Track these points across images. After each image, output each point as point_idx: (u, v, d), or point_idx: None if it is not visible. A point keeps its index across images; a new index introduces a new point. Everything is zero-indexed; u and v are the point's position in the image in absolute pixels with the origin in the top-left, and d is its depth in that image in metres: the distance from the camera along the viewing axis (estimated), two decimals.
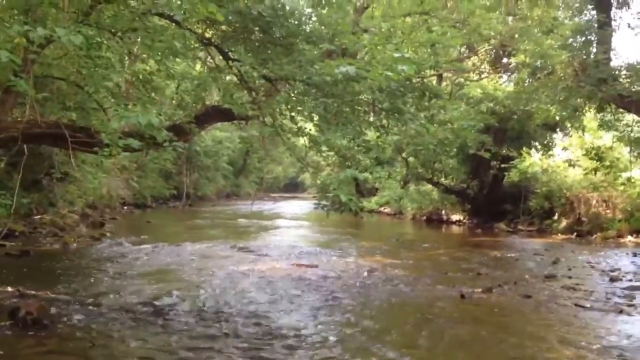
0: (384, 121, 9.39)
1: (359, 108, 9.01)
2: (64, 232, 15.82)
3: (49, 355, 5.93)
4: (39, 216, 16.64)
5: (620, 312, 8.50)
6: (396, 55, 7.56)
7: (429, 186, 27.36)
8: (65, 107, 9.40)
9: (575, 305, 8.90)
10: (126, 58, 9.40)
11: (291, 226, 23.78)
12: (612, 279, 11.14)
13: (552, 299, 9.31)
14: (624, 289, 10.26)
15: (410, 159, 20.67)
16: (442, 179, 26.45)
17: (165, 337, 6.69)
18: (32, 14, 7.10)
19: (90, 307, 7.82)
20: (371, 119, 9.79)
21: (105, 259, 12.12)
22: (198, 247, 14.51)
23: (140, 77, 8.86)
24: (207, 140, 37.41)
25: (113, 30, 7.34)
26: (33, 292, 8.31)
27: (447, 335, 7.19)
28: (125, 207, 27.40)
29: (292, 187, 77.46)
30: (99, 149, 6.49)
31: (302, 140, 9.75)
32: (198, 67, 11.13)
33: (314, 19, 10.27)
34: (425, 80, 10.81)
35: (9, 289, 8.40)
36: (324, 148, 9.54)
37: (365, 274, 11.37)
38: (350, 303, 8.85)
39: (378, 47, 8.58)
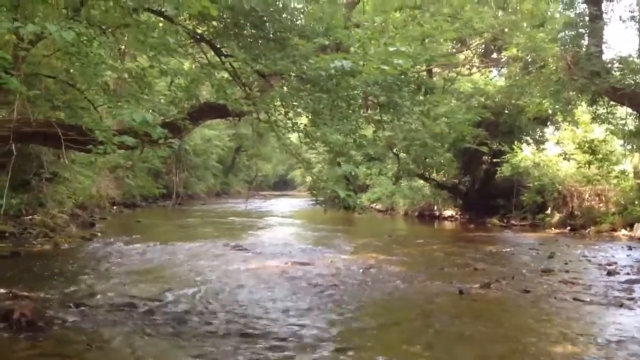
0: (380, 116, 9.31)
1: (354, 103, 8.93)
2: (54, 232, 15.60)
3: (44, 358, 5.81)
4: (29, 217, 16.41)
5: (621, 305, 8.46)
6: (391, 49, 7.48)
7: (421, 182, 27.33)
8: (53, 106, 9.24)
9: (575, 299, 8.87)
10: (118, 55, 9.25)
11: (283, 224, 23.66)
12: (610, 273, 11.13)
13: (550, 294, 9.27)
14: (622, 282, 10.25)
15: (402, 154, 20.63)
16: (434, 175, 26.43)
17: (159, 337, 6.57)
18: (21, 11, 6.94)
19: (84, 308, 7.68)
20: (365, 113, 9.71)
21: (96, 259, 11.96)
22: (190, 246, 14.36)
23: (133, 73, 8.73)
24: (196, 139, 37.17)
25: (104, 27, 7.19)
26: (26, 293, 8.15)
27: (447, 332, 7.12)
28: (115, 207, 27.12)
29: (282, 185, 77.37)
30: (93, 147, 6.36)
31: (295, 136, 9.66)
32: (187, 64, 11.00)
33: (306, 13, 10.15)
34: (419, 74, 10.72)
35: (1, 290, 8.22)
36: (318, 144, 9.46)
37: (361, 271, 11.28)
38: (346, 301, 8.76)
39: (372, 41, 8.49)
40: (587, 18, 16.37)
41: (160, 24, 8.40)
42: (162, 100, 10.11)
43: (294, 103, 8.73)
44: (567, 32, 16.64)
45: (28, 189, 17.06)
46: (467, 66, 21.58)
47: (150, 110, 6.16)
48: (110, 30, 7.32)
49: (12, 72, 6.11)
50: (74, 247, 13.85)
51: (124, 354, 5.98)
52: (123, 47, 9.11)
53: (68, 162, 13.79)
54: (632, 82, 14.86)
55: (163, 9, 8.23)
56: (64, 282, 9.50)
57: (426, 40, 12.51)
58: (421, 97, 9.48)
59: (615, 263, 12.37)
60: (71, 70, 8.68)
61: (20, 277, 9.55)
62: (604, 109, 17.97)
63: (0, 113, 8.00)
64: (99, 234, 16.50)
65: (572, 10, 17.39)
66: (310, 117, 9.34)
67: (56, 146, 8.15)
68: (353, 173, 7.23)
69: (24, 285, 8.70)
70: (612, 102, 17.07)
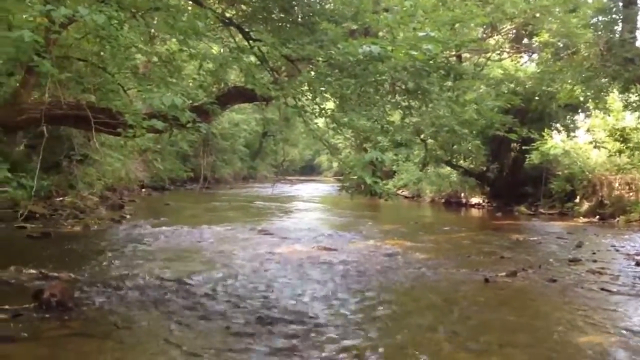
0: (408, 102, 9.25)
1: (382, 88, 8.88)
2: (84, 214, 15.83)
3: (73, 337, 5.89)
4: (59, 198, 16.68)
5: None
6: (421, 34, 7.41)
7: (448, 169, 27.16)
8: (84, 89, 9.35)
9: (602, 289, 8.77)
10: (147, 38, 9.30)
11: (309, 209, 23.73)
12: (638, 263, 10.94)
13: (577, 283, 9.18)
14: None
15: (429, 141, 20.50)
16: (462, 162, 26.21)
17: (187, 319, 6.65)
18: None
19: (113, 289, 7.80)
20: (393, 99, 9.65)
21: (125, 241, 12.11)
22: (217, 229, 14.48)
23: (163, 57, 8.78)
24: (224, 123, 37.31)
25: (134, 10, 7.24)
26: (55, 274, 8.30)
27: (472, 320, 7.10)
28: (144, 190, 27.43)
29: (309, 170, 77.48)
30: (123, 130, 6.43)
31: (322, 121, 9.65)
32: (216, 48, 11.02)
33: None
34: (448, 60, 10.60)
35: (32, 270, 8.40)
36: (345, 129, 9.44)
37: (386, 257, 11.28)
38: (371, 287, 8.77)
39: (401, 26, 8.43)
40: (620, 4, 15.99)
41: (190, 8, 8.43)
42: (190, 84, 10.18)
43: (322, 88, 8.70)
44: (600, 17, 16.27)
45: (59, 170, 17.35)
46: (498, 52, 21.27)
47: (179, 94, 6.19)
48: (140, 13, 7.36)
49: (44, 55, 6.19)
50: (104, 228, 14.05)
51: (150, 335, 6.07)
52: (153, 30, 9.16)
53: (98, 145, 13.95)
54: None
55: None
56: (93, 263, 9.64)
57: (456, 25, 12.36)
58: (450, 83, 9.38)
59: None
60: (102, 54, 8.77)
61: (50, 258, 9.72)
62: (636, 96, 17.56)
63: (33, 95, 8.10)
64: (127, 216, 16.72)
65: None
66: (337, 102, 9.32)
67: (86, 129, 8.28)
68: (380, 159, 7.19)
69: (53, 266, 8.86)
70: None
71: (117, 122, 6.68)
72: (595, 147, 22.63)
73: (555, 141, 22.45)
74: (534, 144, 22.01)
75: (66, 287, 7.14)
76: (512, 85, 21.03)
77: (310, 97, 9.22)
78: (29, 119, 7.58)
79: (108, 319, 6.48)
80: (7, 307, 6.50)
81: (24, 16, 6.71)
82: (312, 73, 8.70)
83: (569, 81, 17.46)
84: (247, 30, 9.07)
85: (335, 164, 56.92)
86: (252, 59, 9.28)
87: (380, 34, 9.34)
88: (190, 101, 8.83)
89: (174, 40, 8.89)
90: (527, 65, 24.04)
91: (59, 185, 17.18)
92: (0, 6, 6.37)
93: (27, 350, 5.49)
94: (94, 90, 9.14)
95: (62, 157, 17.22)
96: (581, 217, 20.13)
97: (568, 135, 23.78)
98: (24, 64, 6.94)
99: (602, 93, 17.90)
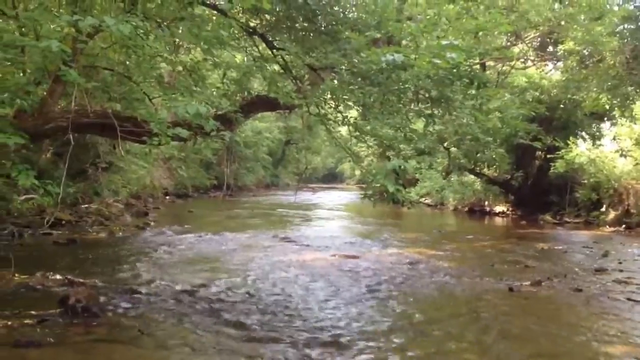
0: (431, 110, 9.23)
1: (405, 97, 8.88)
2: (109, 221, 16.04)
3: (98, 343, 5.95)
4: (85, 205, 16.89)
5: None
6: (444, 42, 7.41)
7: (472, 177, 26.96)
8: (110, 97, 9.47)
9: (628, 299, 8.65)
10: (172, 48, 9.43)
11: (331, 217, 23.71)
12: None
13: (603, 293, 9.06)
14: None
15: (453, 149, 20.41)
16: (485, 170, 26.02)
17: (210, 325, 6.70)
18: (80, 4, 7.14)
19: (138, 295, 7.89)
20: (416, 107, 9.65)
21: (150, 248, 12.22)
22: (240, 236, 14.55)
23: (187, 66, 8.88)
24: (247, 131, 37.51)
25: (159, 20, 7.34)
26: (81, 280, 8.40)
27: (496, 329, 7.03)
28: (168, 197, 27.68)
29: (331, 178, 77.54)
30: (148, 139, 6.51)
31: (345, 130, 9.67)
32: (239, 56, 11.12)
33: (358, 6, 10.13)
34: (472, 67, 10.57)
35: (58, 277, 8.51)
36: (368, 137, 9.45)
37: (409, 265, 11.23)
38: (394, 295, 8.74)
39: (424, 35, 8.43)
40: None
41: (214, 18, 8.52)
42: (214, 93, 10.27)
43: (344, 96, 8.73)
44: (626, 25, 16.16)
45: (84, 178, 17.58)
46: (522, 60, 21.14)
47: (203, 103, 6.27)
48: (165, 23, 7.45)
49: (71, 64, 6.29)
50: (128, 235, 14.20)
51: (174, 341, 6.10)
52: (178, 40, 9.26)
53: (123, 153, 14.11)
54: None
55: (217, 3, 8.37)
56: (118, 269, 9.75)
57: (480, 34, 12.34)
58: (473, 91, 9.35)
59: None
60: (127, 63, 8.89)
61: (76, 264, 9.85)
62: None
63: (60, 104, 8.23)
64: (152, 223, 16.88)
65: (631, 2, 16.86)
66: (360, 110, 9.34)
67: (112, 137, 8.38)
68: (402, 167, 7.18)
69: (79, 272, 8.97)
70: None
71: (142, 130, 6.74)
72: (621, 155, 22.32)
73: (580, 149, 22.18)
74: (559, 153, 21.77)
75: (92, 293, 7.21)
76: (536, 94, 20.88)
77: (333, 106, 9.26)
78: (56, 127, 7.69)
79: (133, 325, 6.53)
80: (33, 312, 6.62)
81: (52, 26, 6.84)
82: (335, 81, 8.72)
83: (595, 89, 17.33)
84: (270, 39, 9.15)
85: (357, 172, 56.82)
86: (276, 67, 9.36)
87: (404, 42, 9.34)
88: (214, 110, 8.92)
89: (198, 49, 9.01)
90: (552, 73, 23.84)
91: (84, 193, 17.42)
92: (29, 16, 6.49)
93: (53, 356, 5.55)
94: (120, 99, 9.24)
95: (88, 165, 17.45)
96: (607, 226, 19.86)
97: (594, 144, 23.50)
98: (51, 73, 7.05)
99: (628, 101, 17.74)
